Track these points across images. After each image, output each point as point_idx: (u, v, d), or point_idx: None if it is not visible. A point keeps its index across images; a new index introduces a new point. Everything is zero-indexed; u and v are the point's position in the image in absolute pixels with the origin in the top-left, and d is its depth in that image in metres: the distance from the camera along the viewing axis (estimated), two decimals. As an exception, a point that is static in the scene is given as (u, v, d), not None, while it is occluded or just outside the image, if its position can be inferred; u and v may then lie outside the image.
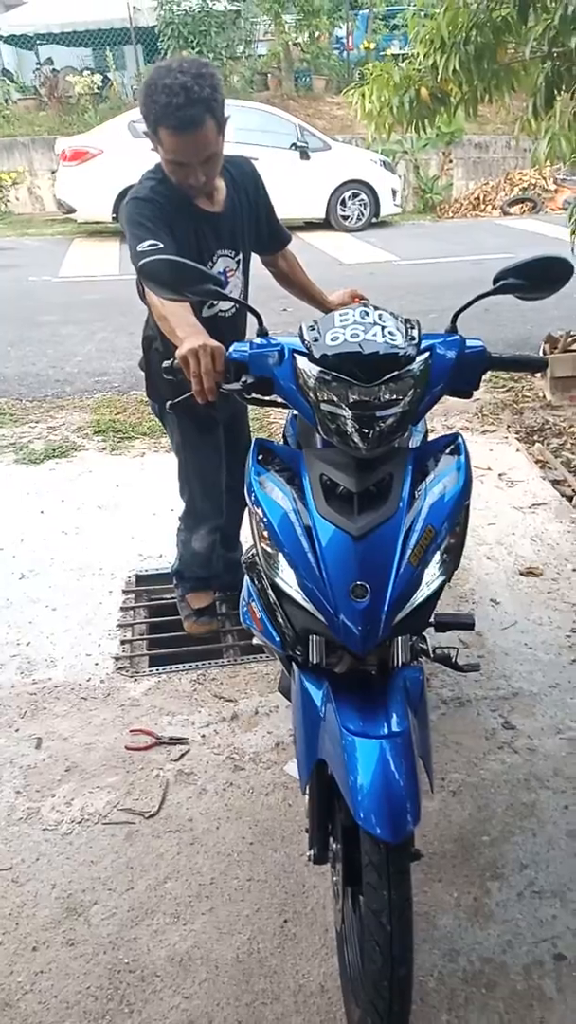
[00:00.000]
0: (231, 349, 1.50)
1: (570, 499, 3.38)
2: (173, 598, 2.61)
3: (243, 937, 1.64)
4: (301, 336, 1.38)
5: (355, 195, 10.54)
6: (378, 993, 1.23)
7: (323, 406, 1.33)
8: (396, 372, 1.30)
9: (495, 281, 1.45)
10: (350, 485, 1.34)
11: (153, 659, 2.52)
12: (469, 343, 1.50)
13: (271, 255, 2.27)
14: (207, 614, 2.53)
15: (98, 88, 13.43)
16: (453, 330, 1.51)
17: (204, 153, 1.79)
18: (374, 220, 10.78)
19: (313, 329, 1.36)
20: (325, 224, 10.60)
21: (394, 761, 1.20)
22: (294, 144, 10.18)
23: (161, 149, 1.81)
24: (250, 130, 9.67)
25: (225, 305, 2.06)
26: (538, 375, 4.56)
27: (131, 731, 2.17)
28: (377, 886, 1.21)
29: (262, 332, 1.52)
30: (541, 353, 4.50)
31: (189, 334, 1.56)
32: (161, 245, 1.72)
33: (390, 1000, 1.23)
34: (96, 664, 2.45)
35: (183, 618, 2.54)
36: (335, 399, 1.30)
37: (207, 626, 2.53)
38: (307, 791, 1.41)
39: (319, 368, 1.32)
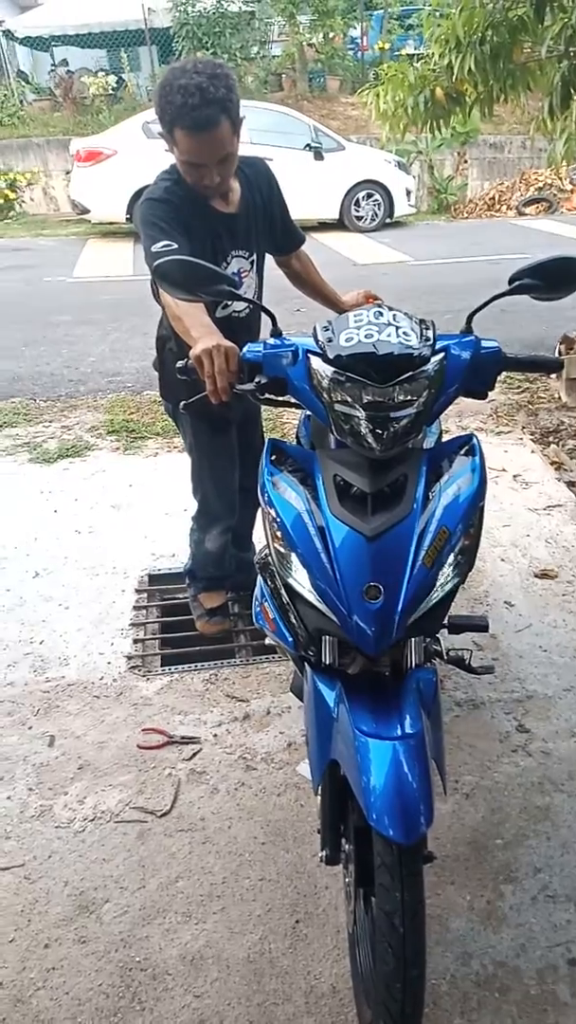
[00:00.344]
0: (245, 349, 1.50)
1: (585, 501, 3.35)
2: (186, 598, 2.61)
3: (254, 937, 1.64)
4: (315, 337, 1.38)
5: (369, 195, 10.53)
6: (390, 995, 1.23)
7: (337, 407, 1.32)
8: (411, 373, 1.29)
9: (511, 281, 1.44)
10: (364, 486, 1.33)
11: (165, 658, 2.52)
12: (484, 344, 1.49)
13: (285, 256, 2.27)
14: (219, 614, 2.54)
15: (113, 89, 13.51)
16: (468, 331, 1.50)
17: (219, 154, 1.80)
18: (388, 220, 10.76)
19: (327, 330, 1.35)
20: (339, 225, 10.59)
21: (407, 763, 1.19)
22: (308, 145, 10.18)
23: (176, 150, 1.81)
24: (264, 131, 9.68)
25: (239, 306, 2.06)
26: (553, 376, 4.53)
27: (143, 730, 2.18)
28: (390, 887, 1.20)
29: (276, 332, 1.52)
30: (557, 354, 4.47)
31: (203, 334, 1.56)
32: (175, 246, 1.72)
33: (402, 1002, 1.23)
34: (109, 663, 2.46)
35: (195, 618, 2.54)
36: (349, 400, 1.30)
37: (219, 626, 2.53)
38: (319, 792, 1.41)
39: (333, 369, 1.32)
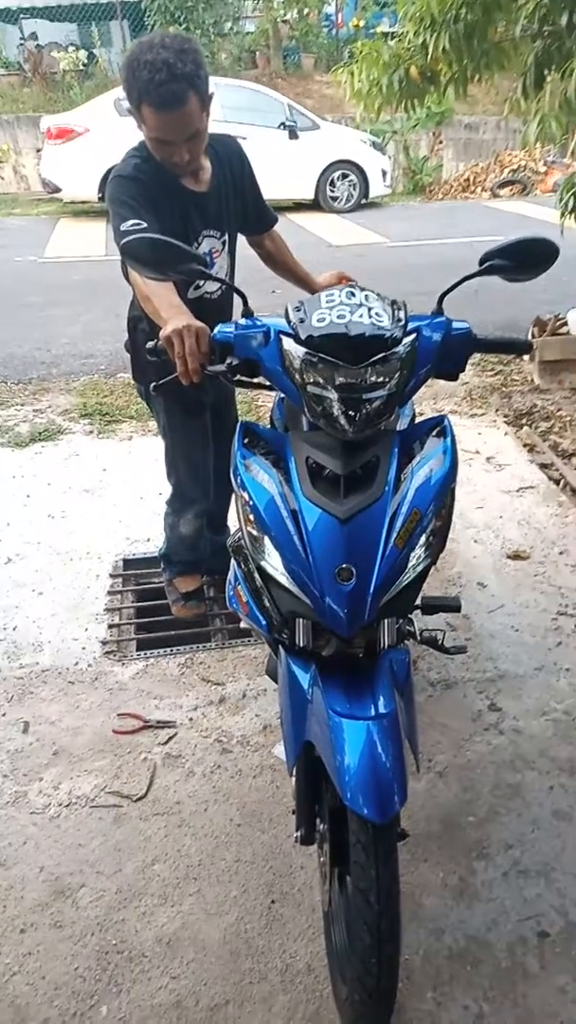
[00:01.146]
0: (216, 330, 1.48)
1: (557, 483, 3.39)
2: (161, 582, 2.60)
3: (230, 918, 1.65)
4: (287, 317, 1.37)
5: (344, 176, 10.45)
6: (366, 970, 1.25)
7: (309, 388, 1.31)
8: (383, 354, 1.29)
9: (481, 262, 1.44)
10: (336, 468, 1.33)
11: (141, 643, 2.51)
12: (455, 325, 1.49)
13: (257, 236, 2.24)
14: (195, 598, 2.53)
15: (84, 65, 13.20)
16: (439, 312, 1.50)
17: (188, 131, 1.76)
18: (363, 201, 10.70)
19: (299, 310, 1.34)
20: (314, 205, 10.51)
21: (381, 742, 1.20)
22: (283, 123, 10.06)
23: (144, 127, 1.78)
24: (238, 108, 9.56)
25: (211, 287, 2.04)
26: (527, 358, 4.55)
27: (119, 715, 2.17)
28: (365, 865, 1.22)
29: (247, 313, 1.50)
30: (529, 336, 4.50)
31: (173, 315, 1.54)
32: (144, 224, 1.69)
33: (378, 977, 1.24)
34: (83, 648, 2.44)
35: (171, 602, 2.53)
36: (321, 381, 1.29)
37: (195, 610, 2.52)
38: (294, 773, 1.42)
39: (305, 350, 1.31)
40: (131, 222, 1.71)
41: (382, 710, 1.25)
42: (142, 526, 3.05)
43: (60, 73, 13.09)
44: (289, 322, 1.35)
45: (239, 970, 1.56)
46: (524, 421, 4.01)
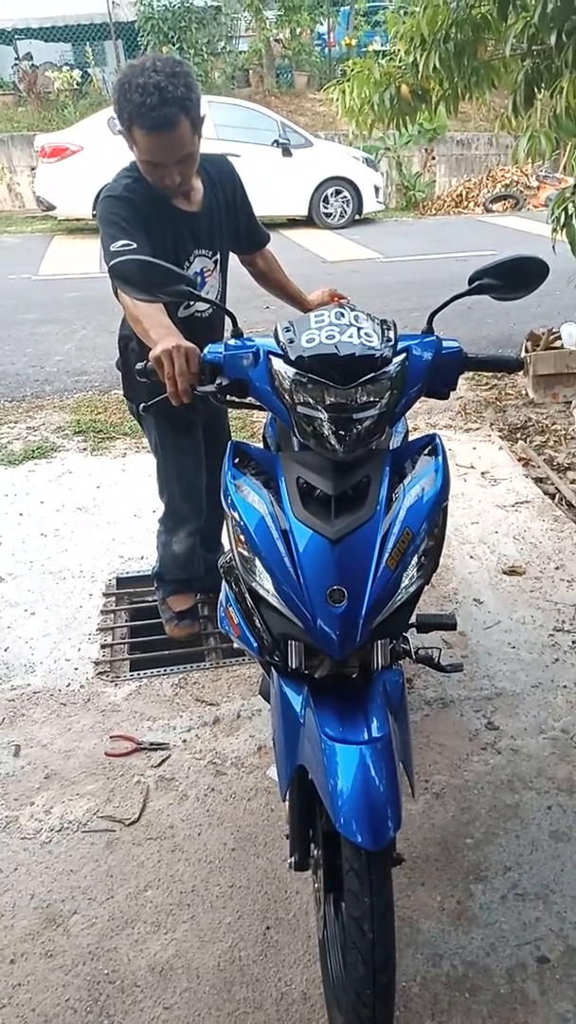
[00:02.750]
0: (205, 351, 1.48)
1: (553, 497, 3.38)
2: (154, 601, 2.58)
3: (225, 945, 1.62)
4: (276, 337, 1.36)
5: (338, 192, 10.53)
6: (360, 1000, 1.22)
7: (299, 408, 1.31)
8: (372, 374, 1.28)
9: (471, 281, 1.44)
10: (327, 488, 1.32)
11: (134, 663, 2.49)
12: (445, 344, 1.48)
13: (249, 255, 2.24)
14: (188, 617, 2.51)
15: (78, 84, 13.32)
16: (430, 330, 1.50)
17: (179, 153, 1.77)
18: (357, 217, 10.78)
19: (288, 330, 1.34)
20: (308, 221, 10.58)
21: (374, 767, 1.18)
22: (276, 141, 10.14)
23: (136, 149, 1.78)
24: (232, 127, 9.64)
25: (201, 306, 2.04)
26: (521, 373, 4.56)
27: (111, 737, 2.15)
28: (358, 893, 1.19)
29: (237, 333, 1.50)
30: (523, 350, 4.51)
31: (162, 336, 1.53)
32: (135, 245, 1.69)
33: (373, 1007, 1.22)
34: (76, 669, 2.42)
35: (164, 621, 2.51)
36: (311, 401, 1.28)
37: (188, 629, 2.50)
38: (287, 797, 1.40)
39: (295, 370, 1.30)
40: (121, 243, 1.71)
41: (375, 734, 1.23)
42: (136, 544, 3.04)
43: (55, 92, 13.21)
44: (278, 342, 1.35)
45: (233, 999, 1.53)
46: (519, 435, 4.01)
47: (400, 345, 1.37)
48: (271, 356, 1.38)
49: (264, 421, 2.18)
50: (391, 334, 1.33)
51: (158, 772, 2.04)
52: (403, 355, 1.37)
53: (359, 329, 1.30)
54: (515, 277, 1.42)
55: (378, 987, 1.21)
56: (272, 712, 1.41)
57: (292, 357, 1.30)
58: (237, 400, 1.51)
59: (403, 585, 1.30)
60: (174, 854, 1.82)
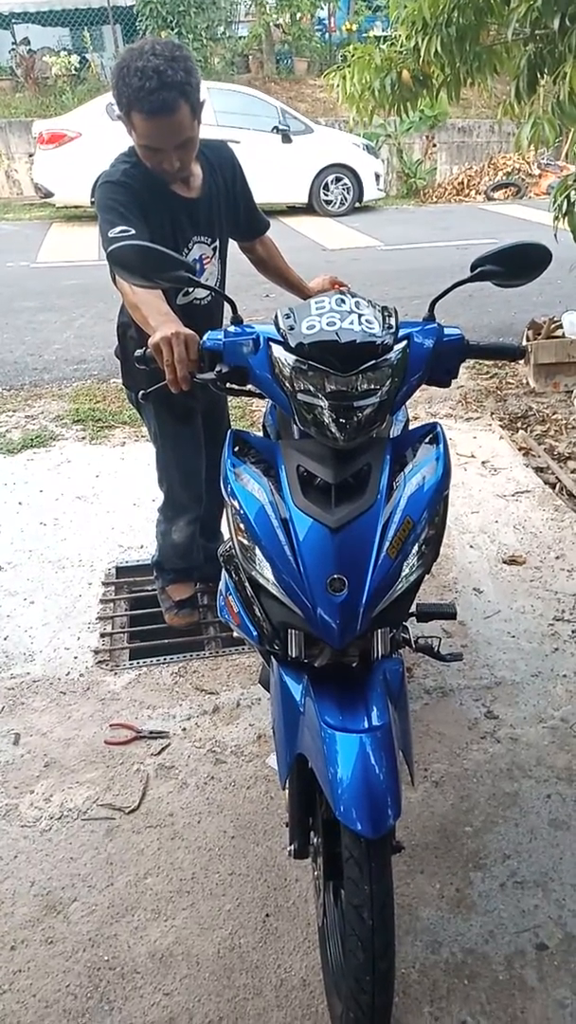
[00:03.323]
0: (205, 337, 1.47)
1: (553, 487, 3.37)
2: (154, 590, 2.58)
3: (224, 932, 1.63)
4: (276, 324, 1.35)
5: (338, 179, 10.46)
6: (360, 987, 1.23)
7: (300, 396, 1.30)
8: (373, 361, 1.27)
9: (472, 268, 1.42)
10: (327, 476, 1.31)
11: (133, 652, 2.49)
12: (447, 331, 1.47)
13: (249, 242, 2.23)
14: (188, 606, 2.51)
15: (76, 69, 13.20)
16: (431, 318, 1.48)
17: (178, 138, 1.75)
18: (357, 205, 10.71)
19: (289, 317, 1.32)
20: (308, 208, 10.51)
21: (374, 755, 1.18)
22: (276, 127, 10.06)
23: (134, 134, 1.76)
24: (231, 113, 9.57)
25: (201, 293, 2.02)
26: (521, 361, 4.54)
27: (111, 725, 2.15)
28: (358, 881, 1.20)
29: (237, 320, 1.48)
30: (524, 339, 4.49)
31: (162, 323, 1.52)
32: (133, 232, 1.67)
33: (372, 994, 1.22)
34: (75, 658, 2.42)
35: (164, 610, 2.51)
36: (312, 389, 1.27)
37: (188, 618, 2.50)
38: (287, 786, 1.40)
39: (295, 357, 1.29)
40: (119, 229, 1.69)
41: (375, 722, 1.23)
42: (135, 533, 3.03)
43: (52, 78, 13.09)
44: (279, 329, 1.33)
45: (233, 986, 1.54)
46: (519, 425, 4.00)
47: (401, 332, 1.36)
48: (271, 343, 1.37)
49: (264, 409, 2.17)
50: (392, 321, 1.32)
51: (158, 760, 2.04)
52: (404, 342, 1.36)
53: (360, 316, 1.29)
54: (517, 264, 1.40)
55: (377, 974, 1.21)
56: (272, 701, 1.41)
57: (292, 344, 1.29)
58: (237, 388, 1.50)
59: (403, 574, 1.29)
60: (174, 842, 1.82)
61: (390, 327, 1.31)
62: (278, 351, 1.34)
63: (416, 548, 1.30)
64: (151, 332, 1.51)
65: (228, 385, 1.48)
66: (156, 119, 1.69)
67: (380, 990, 1.23)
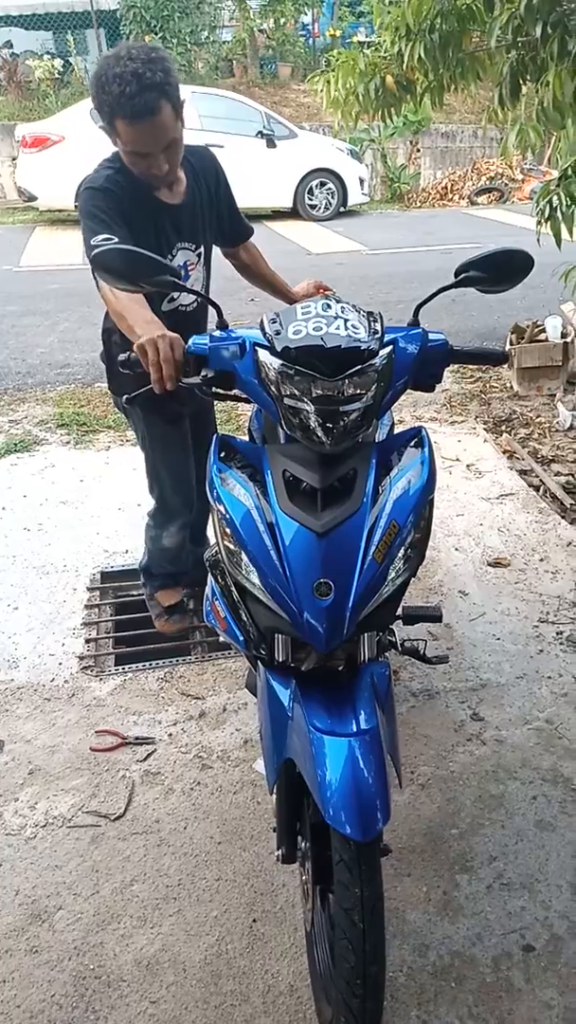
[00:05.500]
0: (191, 342, 1.46)
1: (537, 489, 3.40)
2: (140, 595, 2.57)
3: (211, 938, 1.62)
4: (262, 329, 1.35)
5: (322, 184, 10.48)
6: (351, 991, 1.22)
7: (286, 400, 1.30)
8: (359, 366, 1.27)
9: (456, 274, 1.43)
10: (313, 481, 1.31)
11: (119, 657, 2.47)
12: (431, 336, 1.48)
13: (232, 248, 2.23)
14: (178, 612, 2.49)
15: (59, 73, 13.14)
16: (415, 323, 1.49)
17: (164, 140, 1.74)
18: (342, 209, 10.73)
19: (275, 322, 1.32)
20: (293, 213, 10.53)
21: (363, 759, 1.19)
22: (260, 132, 10.07)
23: (120, 141, 1.75)
24: (216, 117, 9.57)
25: (186, 299, 2.02)
26: (506, 365, 4.57)
27: (96, 732, 2.13)
28: (348, 884, 1.20)
29: (222, 325, 1.48)
30: (508, 343, 4.52)
31: (147, 331, 1.52)
32: (116, 240, 1.66)
33: (363, 998, 1.22)
34: (60, 664, 2.40)
35: (154, 617, 2.49)
36: (297, 393, 1.28)
37: (179, 625, 2.48)
38: (274, 790, 1.40)
39: (281, 362, 1.29)
40: (101, 236, 1.68)
41: (363, 726, 1.23)
42: (120, 538, 3.02)
43: (35, 81, 13.03)
44: (264, 334, 1.33)
45: (220, 992, 1.53)
46: (503, 428, 4.02)
47: (386, 338, 1.36)
48: (257, 348, 1.37)
49: (250, 414, 2.17)
50: (378, 326, 1.33)
51: (143, 766, 2.03)
52: (390, 348, 1.36)
53: (346, 321, 1.29)
54: (500, 270, 1.41)
55: (368, 978, 1.21)
56: (259, 705, 1.41)
57: (278, 348, 1.29)
58: (223, 392, 1.50)
59: (389, 578, 1.30)
60: (160, 848, 1.81)
61: (376, 332, 1.31)
62: (264, 355, 1.34)
63: (402, 552, 1.31)
64: (137, 340, 1.50)
65: (214, 390, 1.47)
66: (140, 123, 1.68)
67: (371, 994, 1.23)
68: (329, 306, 1.32)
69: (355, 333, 1.28)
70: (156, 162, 1.77)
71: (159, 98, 1.66)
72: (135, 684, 2.32)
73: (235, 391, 1.48)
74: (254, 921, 1.65)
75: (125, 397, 1.58)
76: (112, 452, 3.78)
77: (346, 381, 1.27)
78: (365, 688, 1.29)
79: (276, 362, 1.30)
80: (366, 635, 1.33)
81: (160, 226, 1.90)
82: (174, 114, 1.73)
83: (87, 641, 2.51)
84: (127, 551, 2.92)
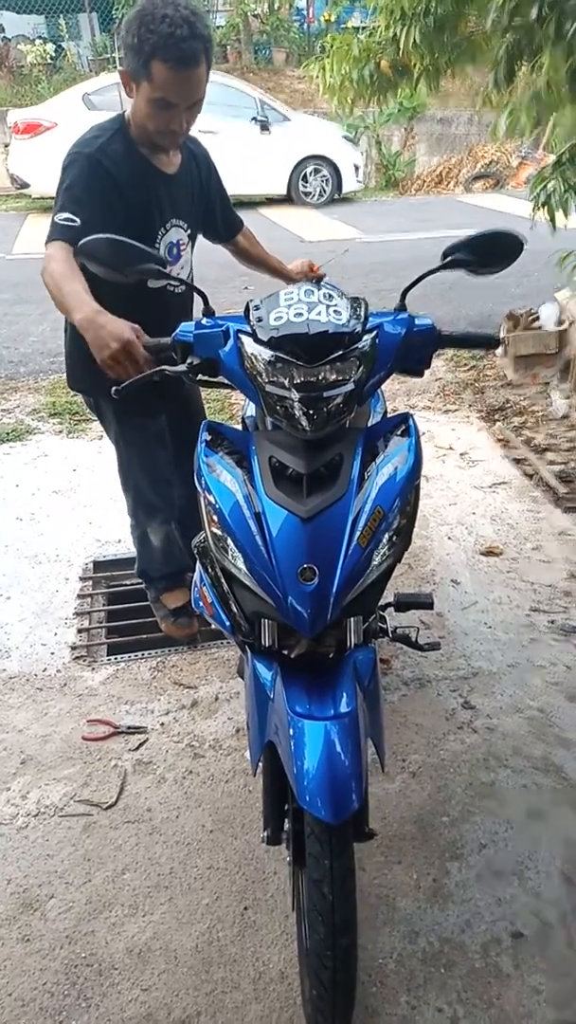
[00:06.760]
0: (176, 331, 1.46)
1: (531, 478, 3.39)
2: (133, 584, 2.55)
3: (203, 926, 1.63)
4: (246, 316, 1.34)
5: (317, 171, 10.40)
6: (321, 963, 1.24)
7: (268, 387, 1.29)
8: (342, 352, 1.26)
9: (444, 256, 1.42)
10: (298, 467, 1.30)
11: (111, 647, 2.47)
12: (418, 321, 1.47)
13: (227, 242, 2.22)
14: (185, 614, 2.36)
15: (51, 58, 13.00)
16: (402, 307, 1.48)
17: (195, 95, 1.71)
18: (336, 196, 10.65)
19: (258, 309, 1.31)
20: (287, 200, 10.45)
21: (340, 742, 1.19)
22: (254, 118, 9.98)
23: (148, 86, 1.66)
24: (209, 102, 9.15)
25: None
26: (499, 354, 4.55)
27: (88, 721, 2.13)
28: (319, 856, 1.21)
29: (208, 312, 1.47)
30: (502, 331, 4.50)
31: (108, 322, 1.49)
32: (78, 221, 1.64)
33: (333, 970, 1.24)
34: (52, 654, 2.40)
35: (159, 620, 2.40)
36: (280, 380, 1.27)
37: (187, 629, 2.37)
38: (258, 772, 1.40)
39: (263, 349, 1.28)
40: (66, 215, 1.67)
41: (342, 709, 1.24)
42: (113, 527, 3.00)
43: (27, 66, 12.87)
44: (248, 321, 1.32)
45: (211, 979, 1.54)
46: (497, 416, 4.01)
47: (372, 323, 1.35)
48: (240, 335, 1.36)
49: (243, 401, 2.15)
50: (361, 311, 1.32)
51: (136, 756, 2.03)
52: (374, 332, 1.35)
53: (328, 307, 1.28)
54: (489, 252, 1.40)
55: (338, 949, 1.22)
56: (245, 690, 1.41)
57: (261, 336, 1.28)
58: (209, 380, 1.48)
59: (374, 563, 1.29)
60: (152, 837, 1.82)
61: (359, 317, 1.30)
62: (247, 343, 1.33)
63: (387, 538, 1.30)
64: (97, 344, 1.48)
65: (201, 377, 1.46)
66: (182, 70, 1.63)
67: (342, 965, 1.24)
68: (312, 292, 1.31)
69: (337, 318, 1.27)
70: (178, 117, 1.72)
71: (202, 52, 1.64)
72: (127, 673, 2.32)
73: (220, 378, 1.47)
74: (245, 909, 1.66)
75: (114, 389, 1.55)
76: (104, 442, 3.71)
77: (328, 367, 1.26)
78: (347, 673, 1.30)
79: (259, 349, 1.30)
80: (352, 620, 1.33)
81: (156, 194, 1.86)
82: (207, 75, 1.70)
83: (79, 631, 2.51)
84: (120, 540, 2.91)
